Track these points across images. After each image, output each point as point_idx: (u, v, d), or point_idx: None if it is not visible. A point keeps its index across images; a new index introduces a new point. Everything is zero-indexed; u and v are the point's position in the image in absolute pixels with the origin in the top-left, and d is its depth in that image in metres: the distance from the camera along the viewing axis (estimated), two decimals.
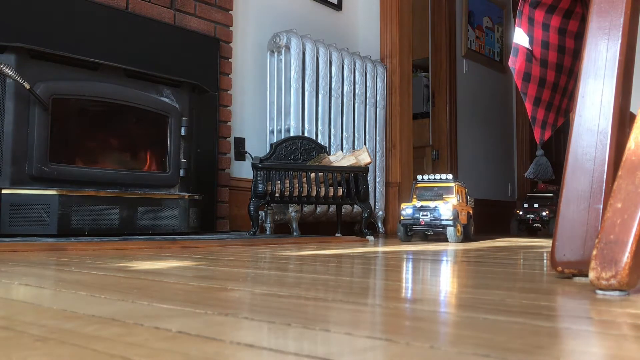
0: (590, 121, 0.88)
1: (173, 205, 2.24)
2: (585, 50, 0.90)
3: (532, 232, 3.98)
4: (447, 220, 2.38)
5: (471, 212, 2.68)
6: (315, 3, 3.50)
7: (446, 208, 2.37)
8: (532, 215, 3.77)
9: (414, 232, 2.51)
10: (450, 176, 2.53)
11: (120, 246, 1.71)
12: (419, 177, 2.57)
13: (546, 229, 3.87)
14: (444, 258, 1.46)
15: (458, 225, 2.38)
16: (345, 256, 1.48)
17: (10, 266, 1.08)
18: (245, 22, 3.04)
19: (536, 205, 3.79)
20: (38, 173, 1.93)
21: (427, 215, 2.40)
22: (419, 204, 2.44)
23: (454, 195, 2.48)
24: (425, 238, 2.76)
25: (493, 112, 5.35)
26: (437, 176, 2.54)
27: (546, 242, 2.63)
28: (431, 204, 2.41)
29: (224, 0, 2.82)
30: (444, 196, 2.48)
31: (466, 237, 2.55)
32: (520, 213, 3.84)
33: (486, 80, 5.25)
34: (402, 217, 2.46)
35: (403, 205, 2.46)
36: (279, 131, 2.99)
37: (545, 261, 1.39)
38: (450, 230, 2.36)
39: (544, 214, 3.72)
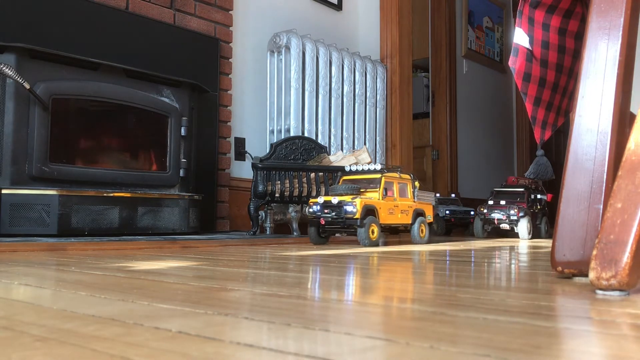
0: (590, 121, 0.88)
1: (173, 205, 2.24)
2: (585, 50, 0.90)
3: (502, 234, 3.42)
4: (353, 219, 1.94)
5: (426, 210, 2.30)
6: (315, 3, 3.50)
7: (352, 205, 1.93)
8: (499, 214, 3.08)
9: (329, 233, 2.10)
10: (378, 166, 2.14)
11: (120, 246, 1.71)
12: (347, 167, 2.21)
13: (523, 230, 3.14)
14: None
15: (373, 226, 1.96)
16: (345, 256, 1.48)
17: (10, 266, 1.08)
18: (245, 22, 3.04)
19: (503, 202, 3.11)
20: (38, 173, 1.93)
21: (329, 213, 1.98)
22: (321, 199, 2.00)
23: (380, 188, 2.06)
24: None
25: (493, 112, 5.35)
26: (366, 166, 2.16)
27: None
28: (334, 200, 1.96)
29: (224, 0, 2.82)
30: (368, 190, 2.08)
31: (416, 239, 2.22)
32: (485, 211, 3.13)
33: (486, 80, 5.25)
34: (308, 215, 2.07)
35: (311, 202, 2.05)
36: (279, 131, 2.99)
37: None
38: (360, 232, 1.93)
39: (512, 212, 3.04)
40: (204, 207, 2.56)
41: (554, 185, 5.73)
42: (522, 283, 0.89)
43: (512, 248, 2.04)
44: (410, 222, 2.21)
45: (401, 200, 2.17)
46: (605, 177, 0.85)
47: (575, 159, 0.88)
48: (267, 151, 2.78)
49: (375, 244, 1.97)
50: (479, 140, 5.10)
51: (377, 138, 3.47)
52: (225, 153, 2.83)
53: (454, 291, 0.77)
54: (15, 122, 1.90)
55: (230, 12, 2.87)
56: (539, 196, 3.22)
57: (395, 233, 2.26)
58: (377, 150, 3.47)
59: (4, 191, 1.85)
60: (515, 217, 3.01)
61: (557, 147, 5.97)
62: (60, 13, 2.21)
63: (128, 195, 2.09)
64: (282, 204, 2.60)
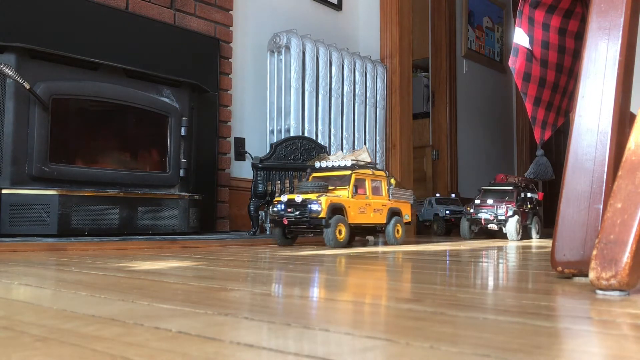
0: (590, 121, 0.88)
1: (173, 205, 2.24)
2: (585, 50, 0.90)
3: (490, 235, 3.23)
4: (317, 219, 1.81)
5: (403, 209, 2.17)
6: (315, 3, 3.50)
7: (317, 203, 1.81)
8: (486, 214, 2.89)
9: (295, 233, 1.97)
10: (349, 162, 2.00)
11: (120, 246, 1.71)
12: (317, 164, 2.05)
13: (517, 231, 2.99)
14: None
15: (341, 225, 1.84)
16: (345, 256, 1.48)
17: (10, 266, 1.08)
18: (245, 22, 3.04)
19: (490, 201, 2.92)
20: (38, 173, 1.93)
21: (293, 212, 1.86)
22: (285, 197, 1.88)
23: (349, 185, 1.93)
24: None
25: (493, 112, 5.35)
26: (336, 162, 2.02)
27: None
28: (298, 198, 1.84)
29: (224, 0, 2.82)
30: (338, 187, 1.95)
31: (391, 240, 2.08)
32: (472, 211, 2.95)
33: (486, 80, 5.25)
34: (272, 215, 1.94)
35: (275, 200, 1.93)
36: (279, 131, 2.99)
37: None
38: (326, 233, 1.81)
39: (500, 211, 2.85)
40: (204, 207, 2.56)
41: (554, 185, 5.73)
42: (522, 283, 0.89)
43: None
44: (384, 221, 2.07)
45: (374, 198, 2.04)
46: (605, 177, 0.85)
47: (575, 159, 0.88)
48: (267, 151, 2.78)
49: (343, 245, 1.86)
50: (479, 140, 5.10)
51: (377, 138, 3.47)
52: (225, 153, 2.83)
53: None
54: (15, 122, 1.90)
55: (230, 12, 2.87)
56: (529, 195, 3.06)
57: (369, 234, 2.13)
58: (377, 150, 3.47)
59: (4, 191, 1.85)
60: (503, 217, 2.85)
61: (557, 147, 5.97)
62: (60, 13, 2.21)
63: (128, 195, 2.09)
64: None
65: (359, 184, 1.99)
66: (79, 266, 1.09)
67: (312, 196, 1.84)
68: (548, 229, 5.62)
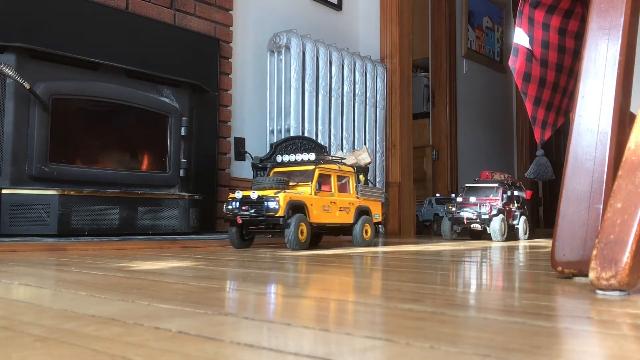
0: (590, 121, 0.88)
1: (173, 205, 2.24)
2: (585, 50, 0.90)
3: (475, 236, 2.96)
4: (275, 217, 1.67)
5: (373, 208, 2.02)
6: (315, 3, 3.50)
7: (274, 200, 1.66)
8: (469, 213, 2.70)
9: (252, 234, 1.82)
10: (312, 155, 1.85)
11: (120, 246, 1.71)
12: (279, 157, 1.90)
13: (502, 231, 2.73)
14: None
15: (302, 225, 1.70)
16: (345, 256, 1.48)
17: (10, 266, 1.08)
18: (245, 22, 3.04)
19: (473, 200, 2.73)
20: (38, 173, 1.93)
21: (248, 210, 1.70)
22: (239, 194, 1.72)
23: (312, 181, 1.79)
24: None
25: (493, 112, 5.35)
26: (299, 156, 1.87)
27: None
28: (253, 195, 1.69)
29: (224, 0, 2.82)
30: (300, 183, 1.81)
31: (358, 241, 1.93)
32: (453, 209, 2.76)
33: (486, 80, 5.25)
34: (226, 213, 1.78)
35: (229, 197, 1.78)
36: (279, 131, 2.99)
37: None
38: (287, 233, 1.67)
39: (483, 210, 2.66)
40: (204, 207, 2.56)
41: (554, 185, 5.73)
42: (522, 283, 0.89)
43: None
44: (351, 221, 1.92)
45: (341, 195, 1.89)
46: (605, 177, 0.85)
47: (575, 159, 0.88)
48: (267, 151, 2.78)
49: (305, 247, 1.71)
50: (479, 140, 5.11)
51: (377, 138, 3.47)
52: (225, 153, 2.83)
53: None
54: (15, 122, 1.90)
55: (230, 12, 2.87)
56: (516, 193, 2.88)
57: (334, 234, 1.97)
58: (377, 150, 3.47)
59: (4, 191, 1.85)
60: (487, 216, 2.66)
61: (557, 147, 5.97)
62: (60, 13, 2.21)
63: (128, 195, 2.09)
64: None
65: (323, 180, 1.85)
66: (79, 266, 1.09)
67: (270, 193, 1.69)
68: (548, 228, 5.62)
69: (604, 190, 0.84)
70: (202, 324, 0.52)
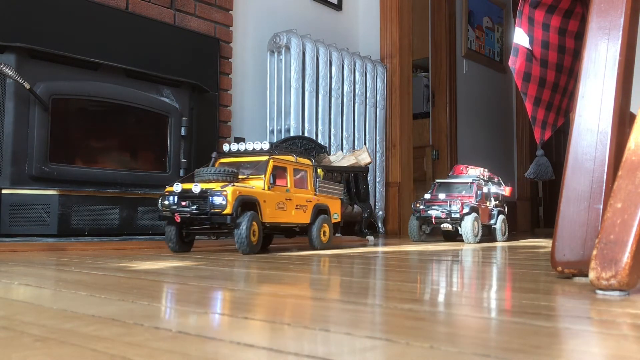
0: (591, 121, 0.88)
1: None
2: (585, 50, 0.90)
3: (449, 237, 2.66)
4: (221, 215, 1.42)
5: (332, 206, 1.81)
6: (315, 3, 3.50)
7: (221, 195, 1.42)
8: (437, 211, 2.42)
9: (193, 235, 1.56)
10: (266, 145, 1.61)
11: (120, 246, 1.71)
12: (225, 146, 1.66)
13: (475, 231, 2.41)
14: None
15: (254, 225, 1.47)
16: (345, 256, 1.47)
17: (10, 266, 1.08)
18: (245, 22, 3.04)
19: (442, 196, 2.47)
20: (38, 173, 1.93)
21: (188, 207, 1.45)
22: (178, 187, 1.47)
23: (266, 174, 1.55)
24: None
25: (493, 112, 5.35)
26: (250, 145, 1.64)
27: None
28: (195, 188, 1.44)
29: (224, 0, 2.82)
30: (251, 176, 1.56)
31: (315, 243, 1.72)
32: (421, 207, 2.47)
33: (486, 80, 5.25)
34: (161, 209, 1.51)
35: (166, 190, 1.50)
36: (279, 131, 2.99)
37: None
38: (238, 235, 1.44)
39: (454, 208, 2.39)
40: None
41: (554, 185, 5.73)
42: (522, 283, 0.89)
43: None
44: (308, 221, 1.70)
45: (297, 192, 1.68)
46: (605, 177, 0.85)
47: (575, 159, 0.88)
48: None
49: (255, 251, 1.49)
50: (479, 140, 5.10)
51: (377, 138, 3.47)
52: None
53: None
54: (15, 122, 1.90)
55: (230, 12, 2.87)
56: (493, 189, 2.61)
57: (288, 235, 1.76)
58: (377, 150, 3.47)
59: (4, 191, 1.85)
60: (457, 215, 2.38)
61: (557, 147, 5.97)
62: (61, 13, 2.21)
63: (128, 195, 2.09)
64: None
65: (278, 174, 1.63)
66: (79, 266, 1.09)
67: (215, 186, 1.45)
68: (548, 228, 5.62)
69: (604, 190, 0.84)
70: (202, 324, 0.52)
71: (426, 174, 4.65)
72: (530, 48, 1.13)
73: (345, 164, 2.69)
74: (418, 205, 2.49)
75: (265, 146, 1.61)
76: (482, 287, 0.83)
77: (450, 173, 2.66)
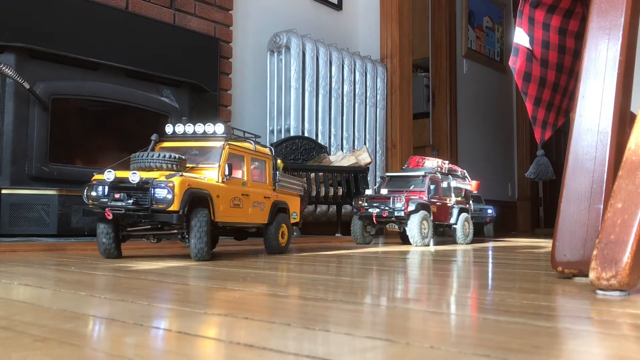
0: (591, 121, 0.88)
1: None
2: (585, 50, 0.90)
3: (406, 239, 2.25)
4: (165, 213, 1.17)
5: (291, 204, 1.59)
6: (315, 3, 3.50)
7: (165, 187, 1.16)
8: (378, 209, 2.08)
9: (131, 232, 1.30)
10: (220, 127, 1.36)
11: None
12: (168, 127, 1.42)
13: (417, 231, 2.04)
14: None
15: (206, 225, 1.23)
16: (345, 256, 1.47)
17: (10, 266, 1.08)
18: (245, 22, 3.04)
19: (385, 192, 2.14)
20: (38, 173, 1.93)
21: (123, 200, 1.19)
22: (111, 174, 1.22)
23: (220, 164, 1.30)
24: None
25: (493, 112, 5.35)
26: (200, 127, 1.37)
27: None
28: (133, 177, 1.18)
29: (224, 0, 2.82)
30: (201, 165, 1.33)
31: (272, 246, 1.50)
32: (363, 205, 2.13)
33: (486, 80, 5.25)
34: (88, 202, 1.26)
35: (95, 178, 1.26)
36: (279, 131, 2.99)
37: None
38: (193, 238, 1.21)
39: (397, 205, 2.03)
40: None
41: (554, 185, 5.73)
42: (522, 283, 0.89)
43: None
44: (265, 221, 1.46)
45: (255, 186, 1.43)
46: (605, 177, 0.85)
47: (575, 159, 0.88)
48: None
49: (207, 257, 1.23)
50: (479, 140, 5.10)
51: (377, 138, 3.47)
52: None
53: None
54: (15, 122, 1.90)
55: (230, 12, 2.87)
56: (454, 184, 2.28)
57: (239, 237, 1.56)
58: (377, 150, 3.47)
59: (4, 191, 1.85)
60: (402, 213, 2.02)
61: (557, 147, 5.97)
62: (60, 13, 2.21)
63: None
64: None
65: (234, 163, 1.35)
66: (78, 266, 1.09)
67: (159, 175, 1.19)
68: (548, 228, 5.62)
69: (604, 190, 0.84)
70: (202, 323, 0.52)
71: None
72: (530, 48, 1.13)
73: (346, 164, 2.69)
74: (360, 202, 2.14)
75: (220, 129, 1.35)
76: (481, 287, 0.83)
77: (405, 165, 2.34)
